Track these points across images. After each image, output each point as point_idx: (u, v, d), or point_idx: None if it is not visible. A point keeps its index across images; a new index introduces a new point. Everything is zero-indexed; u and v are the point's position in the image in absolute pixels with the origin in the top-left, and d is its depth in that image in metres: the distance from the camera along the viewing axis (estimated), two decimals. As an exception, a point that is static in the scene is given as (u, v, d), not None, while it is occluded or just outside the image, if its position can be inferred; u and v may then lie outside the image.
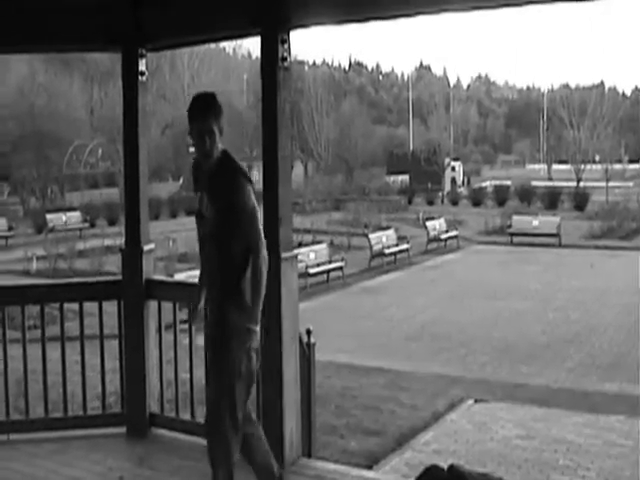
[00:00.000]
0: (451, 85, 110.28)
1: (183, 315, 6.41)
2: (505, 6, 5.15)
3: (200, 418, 6.40)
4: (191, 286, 5.80)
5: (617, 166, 61.05)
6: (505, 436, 10.03)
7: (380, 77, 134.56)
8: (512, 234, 33.99)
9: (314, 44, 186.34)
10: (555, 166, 75.95)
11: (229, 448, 4.78)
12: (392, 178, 64.25)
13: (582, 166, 56.86)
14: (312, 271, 23.15)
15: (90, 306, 6.76)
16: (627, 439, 9.94)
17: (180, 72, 75.01)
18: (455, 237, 33.28)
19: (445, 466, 4.66)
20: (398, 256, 28.59)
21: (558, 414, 11.26)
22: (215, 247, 4.82)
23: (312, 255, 24.05)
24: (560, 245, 32.50)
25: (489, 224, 37.48)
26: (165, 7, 6.34)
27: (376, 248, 27.59)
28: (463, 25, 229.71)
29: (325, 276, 24.17)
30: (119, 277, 6.91)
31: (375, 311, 19.92)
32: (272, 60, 5.70)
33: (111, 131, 42.51)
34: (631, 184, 63.90)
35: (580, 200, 47.12)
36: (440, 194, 55.71)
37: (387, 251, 28.02)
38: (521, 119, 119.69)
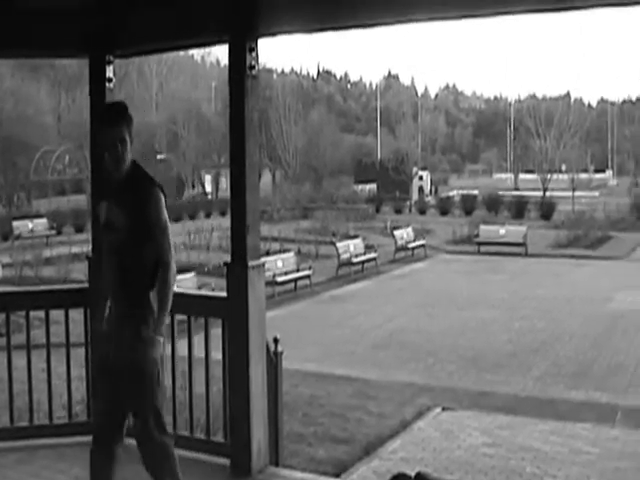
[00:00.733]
0: (419, 94, 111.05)
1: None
2: (497, 14, 5.13)
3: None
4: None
5: (583, 176, 61.68)
6: (472, 444, 10.05)
7: (348, 86, 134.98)
8: (479, 243, 34.10)
9: (282, 52, 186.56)
10: (522, 175, 76.53)
11: (167, 452, 4.81)
12: (360, 187, 64.37)
13: (548, 176, 57.27)
14: (280, 279, 23.10)
15: (56, 314, 6.71)
16: (594, 447, 10.00)
17: (148, 79, 74.85)
18: (423, 246, 33.33)
19: (412, 474, 4.67)
20: (366, 265, 28.59)
21: (524, 422, 11.31)
22: (125, 258, 4.73)
23: (280, 263, 24.01)
24: (527, 254, 32.66)
25: (457, 233, 37.59)
26: (133, 14, 6.32)
27: (344, 257, 27.58)
28: (431, 35, 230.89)
29: (293, 284, 24.12)
30: (86, 285, 6.87)
31: (343, 320, 19.92)
32: (240, 68, 5.71)
33: (79, 137, 42.29)
34: (597, 194, 64.61)
35: (546, 209, 47.47)
36: (408, 203, 55.89)
37: (355, 260, 28.00)
38: (488, 129, 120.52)
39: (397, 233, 32.93)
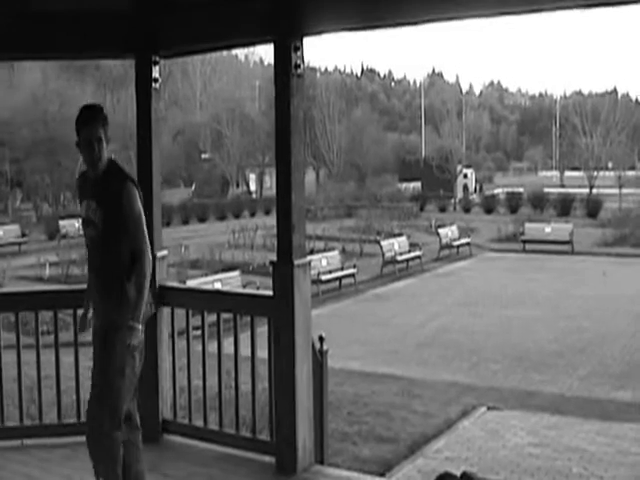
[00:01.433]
0: (463, 92, 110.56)
1: (196, 321, 6.43)
2: (531, 12, 5.09)
3: (213, 425, 6.43)
4: (206, 293, 5.79)
5: (630, 173, 60.97)
6: (517, 444, 9.99)
7: (392, 84, 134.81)
8: (524, 241, 33.91)
9: (326, 51, 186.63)
10: (567, 173, 75.89)
11: (111, 446, 4.88)
12: (404, 185, 64.28)
13: (595, 173, 56.76)
14: (324, 278, 23.15)
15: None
16: (640, 447, 9.91)
17: (192, 79, 75.31)
18: (467, 244, 33.21)
19: (458, 473, 4.66)
20: (410, 263, 28.57)
21: (570, 422, 11.22)
22: (103, 251, 4.94)
23: (324, 262, 24.05)
24: (572, 252, 32.41)
25: (501, 231, 37.42)
26: (178, 14, 6.35)
27: (388, 255, 27.56)
28: (475, 32, 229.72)
29: (337, 283, 24.16)
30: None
31: (387, 318, 19.90)
32: (285, 67, 5.71)
33: (123, 137, 42.61)
34: (644, 191, 63.78)
35: (593, 207, 46.91)
36: (452, 201, 55.64)
37: (399, 258, 27.97)
38: (533, 126, 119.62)
39: (442, 231, 32.82)
